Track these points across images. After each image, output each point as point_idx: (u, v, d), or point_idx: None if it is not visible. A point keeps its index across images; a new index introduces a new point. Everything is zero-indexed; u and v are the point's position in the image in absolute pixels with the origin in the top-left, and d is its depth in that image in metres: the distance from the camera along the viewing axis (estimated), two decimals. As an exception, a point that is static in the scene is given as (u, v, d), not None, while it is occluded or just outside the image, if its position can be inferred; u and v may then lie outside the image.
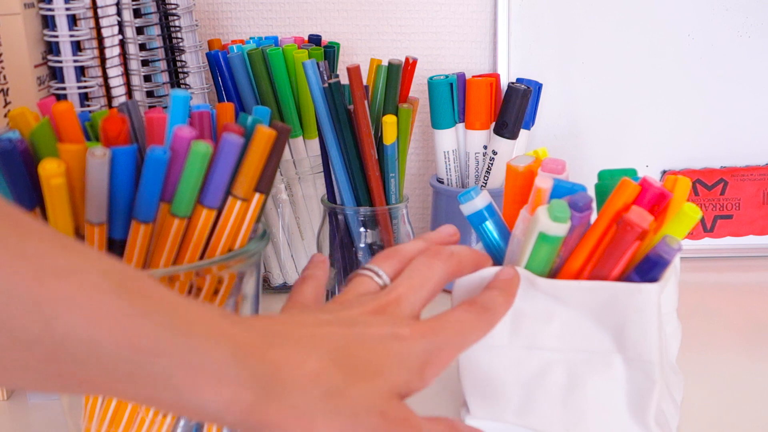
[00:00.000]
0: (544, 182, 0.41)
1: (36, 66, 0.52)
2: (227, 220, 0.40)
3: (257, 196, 0.40)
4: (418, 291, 0.38)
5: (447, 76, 0.69)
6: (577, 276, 0.43)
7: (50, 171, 0.35)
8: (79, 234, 0.38)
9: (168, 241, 0.38)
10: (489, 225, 0.46)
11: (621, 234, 0.41)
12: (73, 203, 0.37)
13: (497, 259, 0.46)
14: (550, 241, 0.41)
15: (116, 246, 0.38)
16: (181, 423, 0.42)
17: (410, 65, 0.61)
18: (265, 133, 0.38)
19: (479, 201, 0.45)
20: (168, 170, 0.36)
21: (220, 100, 0.67)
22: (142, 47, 0.58)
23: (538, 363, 0.45)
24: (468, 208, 0.45)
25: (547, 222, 0.40)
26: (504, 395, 0.46)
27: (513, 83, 0.68)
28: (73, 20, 0.53)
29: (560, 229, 0.40)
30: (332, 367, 0.32)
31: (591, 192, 0.44)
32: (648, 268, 0.42)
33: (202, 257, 0.40)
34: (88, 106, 0.54)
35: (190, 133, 0.36)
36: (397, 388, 0.34)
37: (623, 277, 0.43)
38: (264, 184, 0.40)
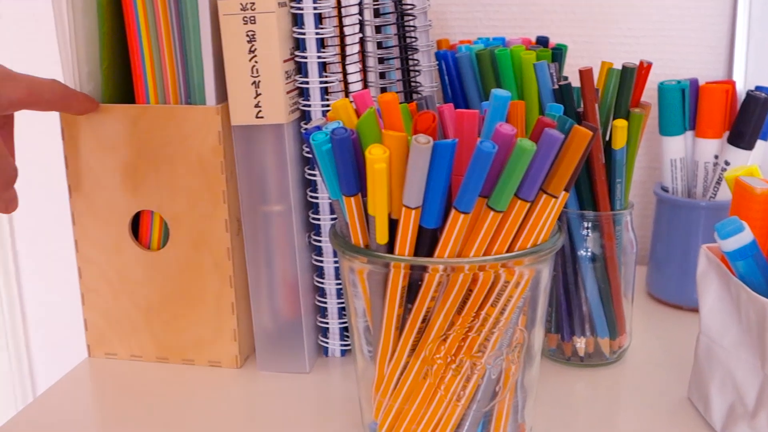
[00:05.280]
0: None
1: (285, 61, 0.55)
2: (539, 215, 0.41)
3: (563, 194, 0.41)
4: None
5: (679, 82, 0.67)
6: None
7: (376, 155, 0.38)
8: (391, 218, 0.40)
9: (481, 232, 0.40)
10: (751, 261, 0.44)
11: None
12: (390, 188, 0.39)
13: (762, 293, 0.44)
14: None
15: (425, 235, 0.40)
16: (473, 407, 0.43)
17: (644, 69, 0.59)
18: (582, 133, 0.39)
19: (744, 237, 0.43)
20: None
21: (446, 98, 0.68)
22: (379, 45, 0.60)
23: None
24: (730, 244, 0.43)
25: None
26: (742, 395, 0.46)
27: (752, 91, 0.64)
28: (319, 19, 0.56)
29: None
30: None
31: None
32: None
33: (508, 251, 0.41)
34: (328, 100, 0.57)
35: (511, 131, 0.38)
36: None
37: None
38: (570, 183, 0.41)
